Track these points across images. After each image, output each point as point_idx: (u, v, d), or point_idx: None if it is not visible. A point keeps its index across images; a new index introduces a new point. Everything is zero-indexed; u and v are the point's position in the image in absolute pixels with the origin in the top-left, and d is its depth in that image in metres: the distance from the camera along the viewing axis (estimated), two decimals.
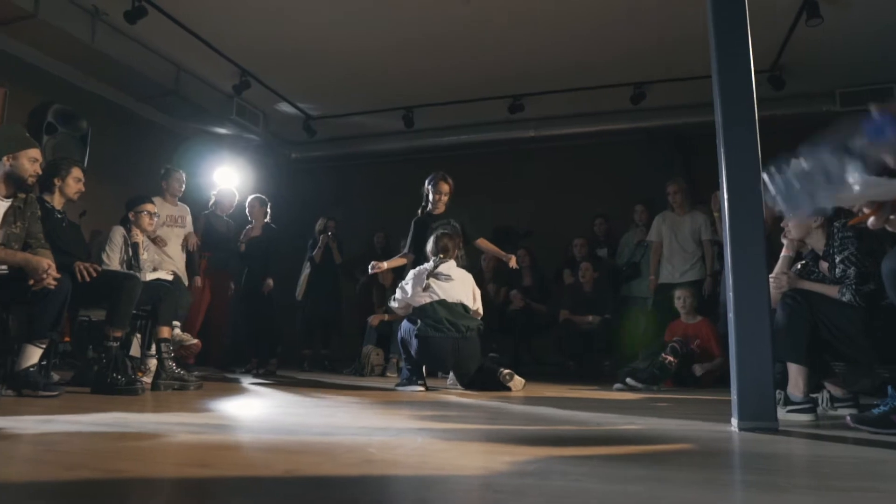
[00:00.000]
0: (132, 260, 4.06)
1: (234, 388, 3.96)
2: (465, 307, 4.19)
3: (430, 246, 4.41)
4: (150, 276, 4.05)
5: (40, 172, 3.17)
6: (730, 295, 2.18)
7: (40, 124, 4.54)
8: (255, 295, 5.87)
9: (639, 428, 2.37)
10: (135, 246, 4.08)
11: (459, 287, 4.24)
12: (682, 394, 4.19)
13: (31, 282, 2.86)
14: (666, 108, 6.81)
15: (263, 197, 6.16)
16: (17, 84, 5.52)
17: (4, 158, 3.08)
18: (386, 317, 5.16)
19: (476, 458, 1.69)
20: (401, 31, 5.63)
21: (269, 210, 6.11)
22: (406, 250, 4.92)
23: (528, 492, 1.23)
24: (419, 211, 4.97)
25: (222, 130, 7.37)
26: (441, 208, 4.86)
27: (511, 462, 1.59)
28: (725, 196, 2.25)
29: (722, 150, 2.29)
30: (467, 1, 5.02)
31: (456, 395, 3.75)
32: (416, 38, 5.75)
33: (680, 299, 4.94)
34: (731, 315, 2.17)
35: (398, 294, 4.34)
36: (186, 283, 4.23)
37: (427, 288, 4.16)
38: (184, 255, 5.07)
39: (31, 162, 3.12)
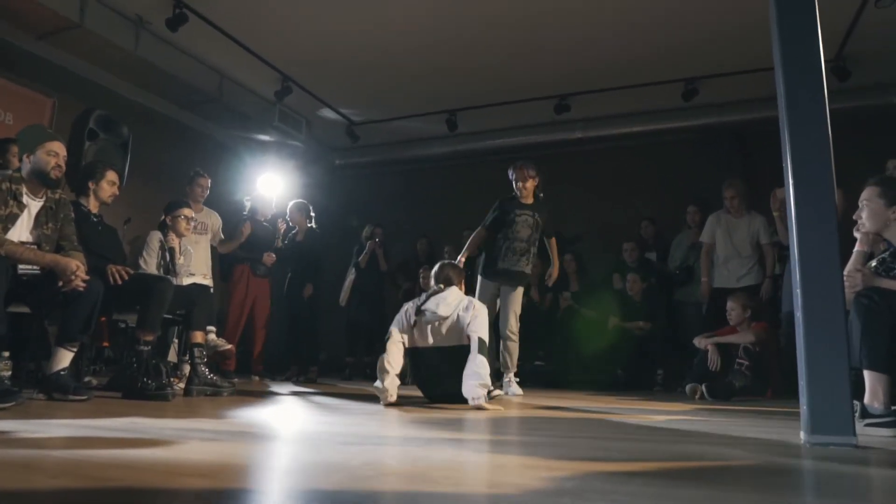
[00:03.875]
0: (169, 264, 4.04)
1: (267, 396, 3.86)
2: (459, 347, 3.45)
3: (432, 278, 3.88)
4: (186, 281, 4.03)
5: (62, 166, 3.09)
6: (797, 292, 1.93)
7: (82, 130, 4.57)
8: (297, 300, 5.82)
9: (693, 442, 2.14)
10: (171, 250, 4.06)
11: (448, 325, 3.51)
12: (745, 405, 3.90)
13: (60, 283, 2.81)
14: (720, 104, 6.48)
15: (303, 201, 6.11)
16: (66, 94, 5.63)
17: (25, 157, 3.04)
18: None
19: (509, 474, 1.51)
20: (442, 33, 5.51)
21: (311, 214, 6.05)
22: (482, 226, 4.77)
23: None
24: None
25: (266, 137, 7.40)
26: (528, 198, 4.70)
27: (547, 478, 1.40)
28: (791, 185, 2.01)
29: (786, 132, 2.05)
30: None
31: (497, 406, 3.55)
32: (457, 40, 5.62)
33: (731, 311, 4.64)
34: (799, 315, 1.92)
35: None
36: (212, 288, 4.18)
37: (414, 325, 3.60)
38: (209, 261, 4.96)
39: (49, 155, 3.03)
